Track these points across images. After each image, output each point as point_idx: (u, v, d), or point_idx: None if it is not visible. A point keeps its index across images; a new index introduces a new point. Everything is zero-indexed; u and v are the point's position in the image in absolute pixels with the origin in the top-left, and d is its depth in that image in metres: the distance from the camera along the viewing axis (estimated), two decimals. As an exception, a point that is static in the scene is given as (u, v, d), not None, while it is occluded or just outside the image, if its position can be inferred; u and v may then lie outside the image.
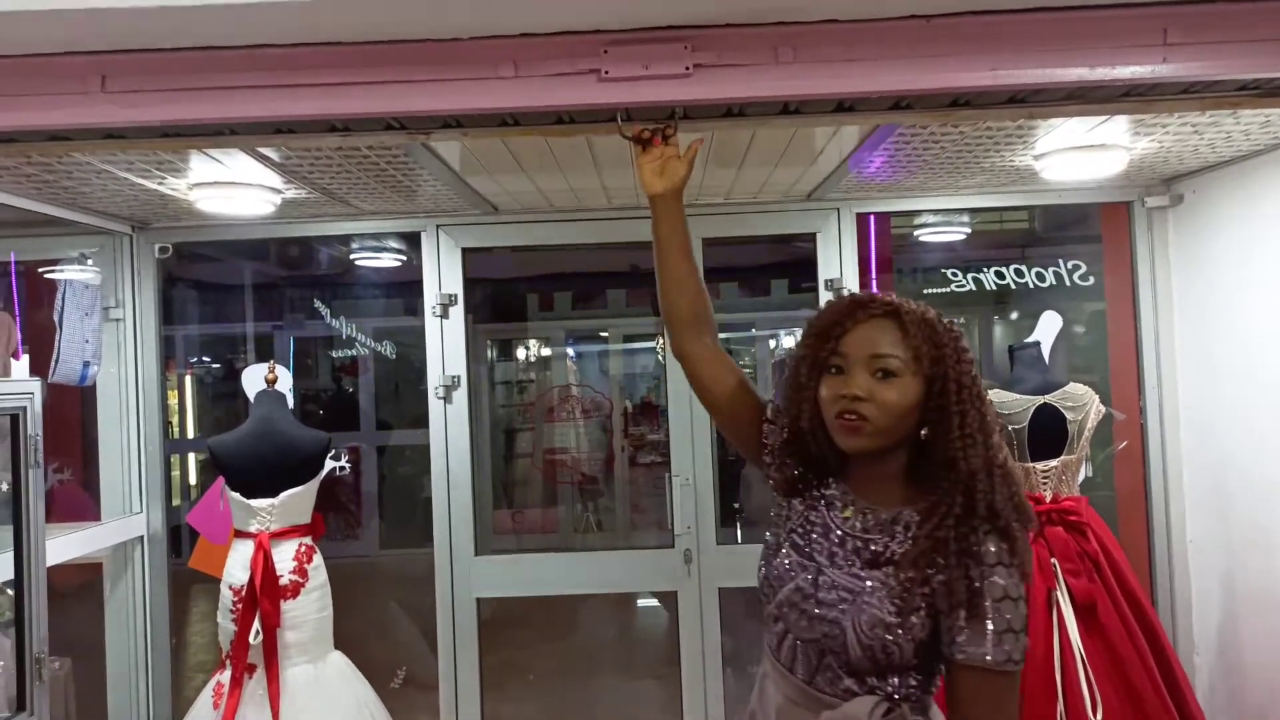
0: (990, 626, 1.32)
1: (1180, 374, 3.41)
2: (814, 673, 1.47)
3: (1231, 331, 3.08)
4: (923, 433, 1.44)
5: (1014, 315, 4.31)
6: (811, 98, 1.81)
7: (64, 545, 3.05)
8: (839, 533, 1.50)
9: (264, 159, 2.55)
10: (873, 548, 1.46)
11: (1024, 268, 3.55)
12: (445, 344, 3.47)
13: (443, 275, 3.46)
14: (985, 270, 3.59)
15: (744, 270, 7.66)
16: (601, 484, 7.59)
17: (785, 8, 1.68)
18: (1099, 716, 2.68)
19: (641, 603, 6.10)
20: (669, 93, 1.73)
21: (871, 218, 4.86)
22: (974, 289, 3.58)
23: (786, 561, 1.53)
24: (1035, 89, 1.85)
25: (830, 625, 1.43)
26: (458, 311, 3.47)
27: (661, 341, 3.51)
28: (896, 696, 1.41)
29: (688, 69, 1.72)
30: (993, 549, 1.36)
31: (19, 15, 1.59)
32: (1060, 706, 2.71)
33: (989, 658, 1.32)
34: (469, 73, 1.75)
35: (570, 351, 8.41)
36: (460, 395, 3.46)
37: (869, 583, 1.42)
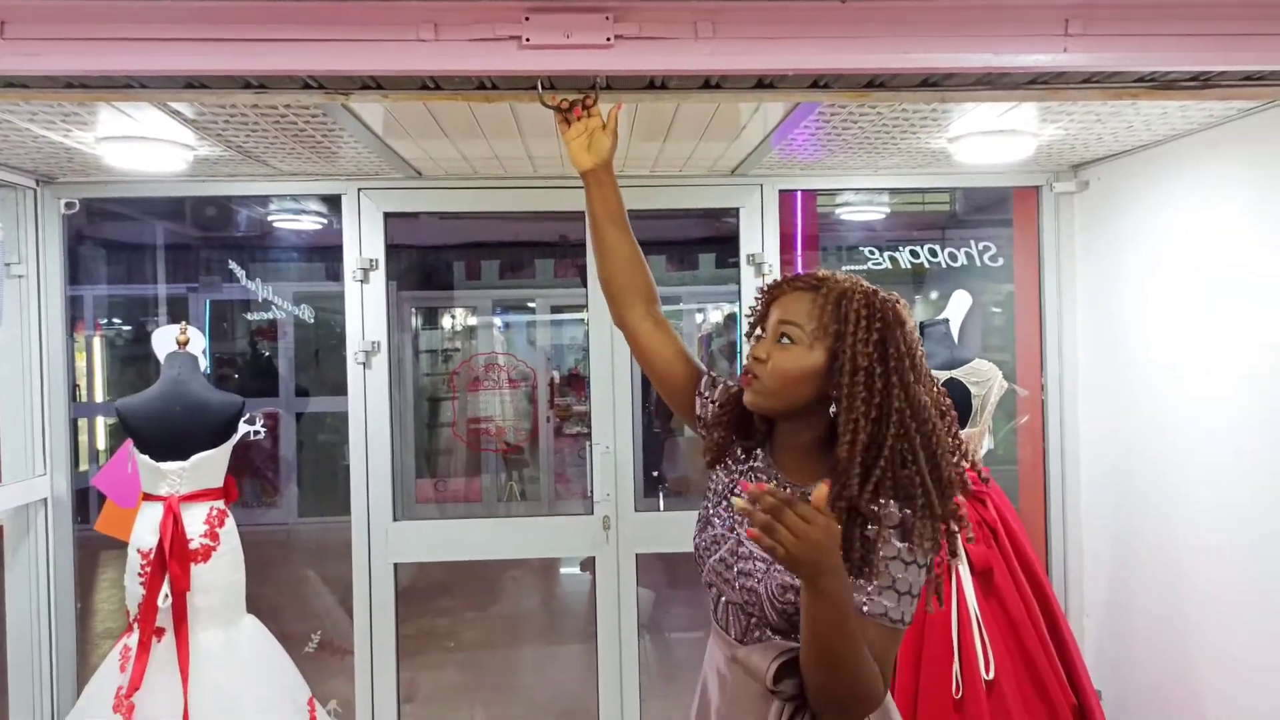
0: (874, 583, 1.39)
1: (1081, 353, 3.57)
2: (745, 632, 1.56)
3: (1131, 313, 3.23)
4: (831, 409, 1.48)
5: (933, 294, 4.44)
6: (730, 73, 1.84)
7: (-39, 508, 2.96)
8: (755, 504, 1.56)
9: (176, 114, 2.48)
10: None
11: (938, 248, 3.66)
12: (365, 309, 3.43)
13: (364, 239, 3.42)
14: (901, 249, 3.69)
15: (673, 244, 7.71)
16: (526, 454, 7.60)
17: (706, -17, 1.71)
18: (991, 674, 2.82)
19: (565, 570, 6.16)
20: (590, 63, 1.75)
21: (799, 194, 4.94)
22: (890, 267, 3.68)
23: (713, 531, 1.62)
24: (945, 73, 1.91)
25: (748, 592, 1.52)
26: (378, 276, 3.44)
27: (588, 314, 3.52)
28: None
29: (609, 40, 1.73)
30: (893, 513, 1.41)
31: (-89, -46, 1.53)
32: (956, 665, 2.84)
33: (865, 608, 1.39)
34: (388, 34, 1.74)
35: (498, 321, 8.37)
36: (380, 361, 3.44)
37: None
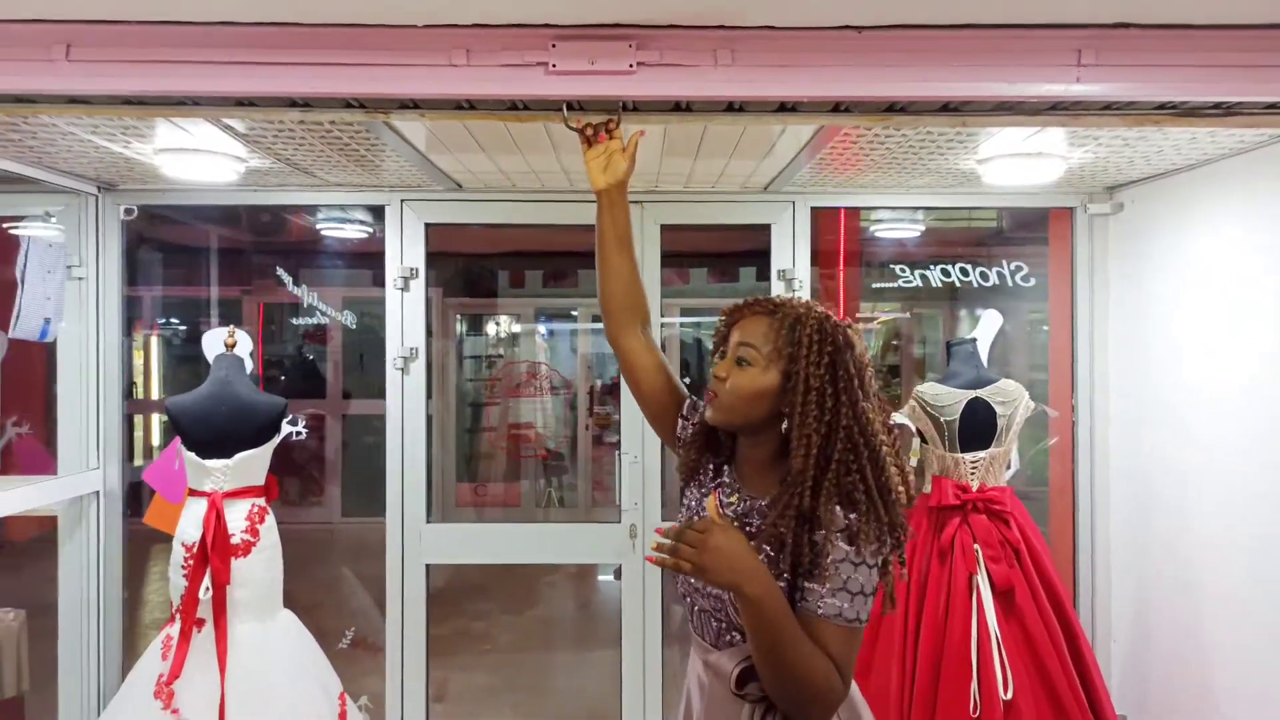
0: (827, 585, 1.47)
1: (1113, 375, 3.56)
2: (717, 636, 1.64)
3: (1163, 337, 3.22)
4: (783, 425, 1.59)
5: (962, 312, 4.45)
6: (748, 99, 1.91)
7: (18, 496, 3.12)
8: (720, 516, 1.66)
9: (228, 129, 2.61)
10: (747, 530, 1.60)
11: (969, 266, 3.67)
12: (405, 316, 3.55)
13: (405, 249, 3.53)
14: (932, 267, 3.71)
15: (713, 256, 7.77)
16: (566, 461, 7.70)
17: (725, 12, 1.78)
18: (1010, 694, 2.83)
19: (602, 578, 6.24)
20: (613, 88, 1.82)
21: (841, 212, 4.98)
22: (921, 285, 3.70)
23: None
24: (960, 100, 1.96)
25: (715, 600, 1.60)
26: (418, 285, 3.55)
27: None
28: None
29: (631, 66, 1.81)
30: (839, 518, 1.49)
31: (-13, -17, 1.66)
32: (974, 684, 2.85)
33: (819, 610, 1.47)
34: (423, 59, 1.84)
35: (541, 329, 8.49)
36: (418, 367, 3.55)
37: None
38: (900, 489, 1.53)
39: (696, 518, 1.68)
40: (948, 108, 2.10)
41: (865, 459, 1.51)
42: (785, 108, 2.09)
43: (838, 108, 2.10)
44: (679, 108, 2.09)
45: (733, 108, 2.09)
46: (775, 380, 1.58)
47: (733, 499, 1.66)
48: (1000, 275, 3.73)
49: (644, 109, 2.06)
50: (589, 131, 1.88)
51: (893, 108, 2.11)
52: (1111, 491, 3.56)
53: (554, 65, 1.80)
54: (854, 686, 1.64)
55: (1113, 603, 3.55)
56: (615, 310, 1.88)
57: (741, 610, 1.45)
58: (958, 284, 3.74)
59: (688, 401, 1.84)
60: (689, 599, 1.70)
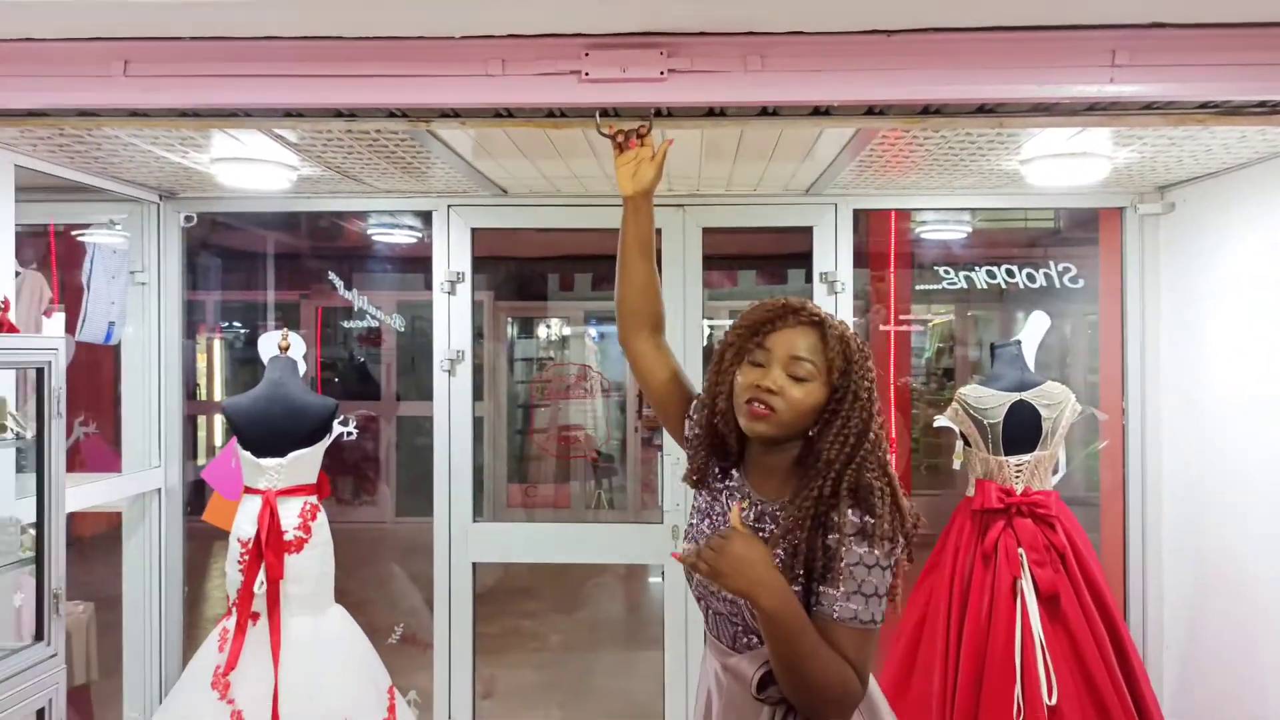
0: (841, 588, 1.48)
1: (1165, 377, 3.49)
2: (734, 639, 1.65)
3: (1216, 338, 3.15)
4: (811, 431, 1.61)
5: (1031, 312, 4.36)
6: (778, 104, 1.93)
7: (85, 493, 3.25)
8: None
9: (279, 138, 2.70)
10: (761, 535, 1.60)
11: (1015, 269, 3.63)
12: (452, 319, 3.62)
13: (452, 253, 3.61)
14: (977, 269, 3.68)
15: (760, 259, 7.76)
16: (615, 463, 7.76)
17: (754, 19, 1.80)
18: (1054, 699, 2.80)
19: (652, 580, 6.28)
20: (645, 95, 1.86)
21: (892, 214, 4.94)
22: (965, 287, 3.67)
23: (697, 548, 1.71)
24: (994, 102, 1.96)
25: (730, 603, 1.61)
26: (465, 288, 3.62)
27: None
28: None
29: (663, 74, 1.84)
30: (853, 521, 1.51)
31: (53, 4, 1.75)
32: (1018, 688, 2.83)
33: (835, 614, 1.48)
34: (461, 69, 1.89)
35: (592, 331, 8.56)
36: (464, 369, 3.62)
37: None
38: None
39: (706, 521, 1.71)
40: (984, 109, 2.10)
41: (883, 460, 1.57)
42: (819, 111, 2.10)
43: (871, 110, 2.11)
44: (713, 113, 2.11)
45: (767, 112, 2.11)
46: (826, 394, 1.59)
47: (743, 504, 1.66)
48: (1049, 276, 3.68)
49: (678, 114, 2.10)
50: (620, 138, 1.92)
51: (928, 110, 2.11)
52: (1164, 495, 3.49)
53: (587, 73, 1.84)
54: (872, 683, 1.65)
55: (1165, 608, 3.48)
56: (627, 314, 1.92)
57: (761, 622, 1.48)
58: (1004, 285, 3.70)
59: (694, 403, 1.82)
60: (703, 601, 1.71)
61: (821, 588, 1.51)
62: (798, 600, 1.50)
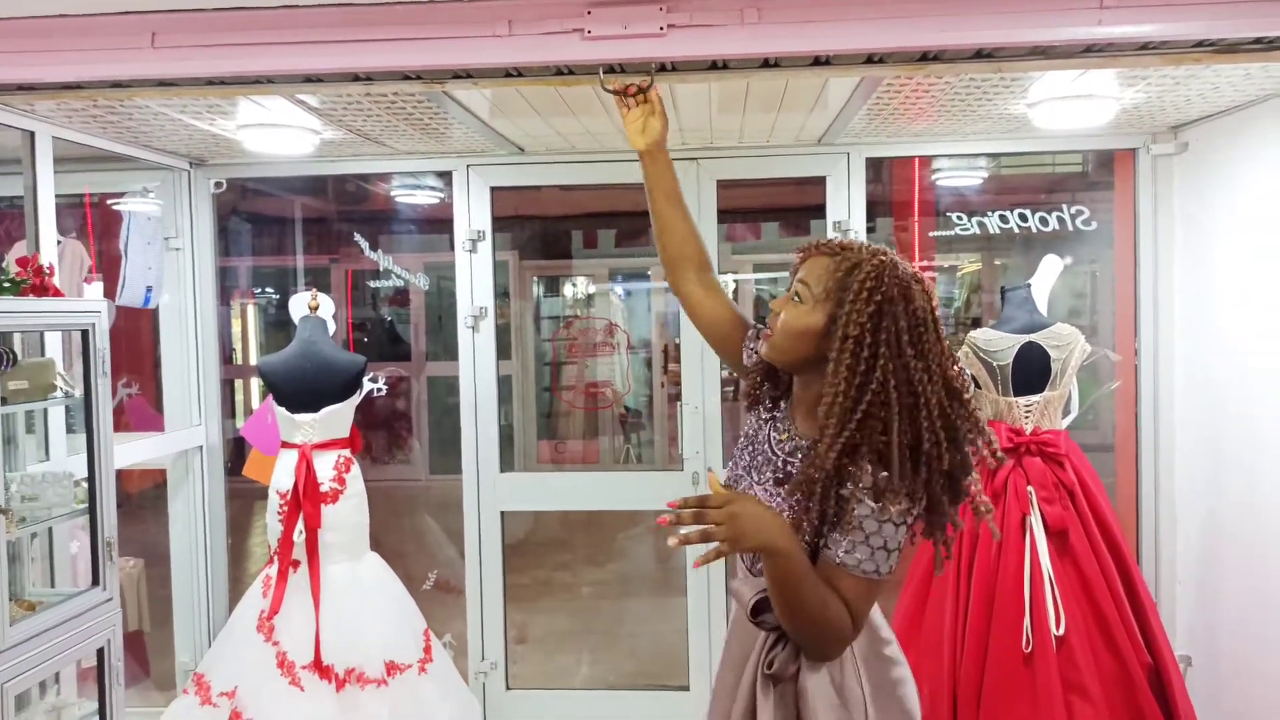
0: (849, 537, 1.50)
1: (1178, 318, 3.52)
2: (754, 562, 1.72)
3: (1229, 278, 3.18)
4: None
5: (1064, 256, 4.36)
6: (776, 55, 1.99)
7: (132, 450, 3.42)
8: (768, 449, 1.71)
9: (301, 103, 2.79)
10: (788, 468, 1.63)
11: (1026, 213, 3.67)
12: (474, 277, 3.72)
13: (472, 212, 3.70)
14: (998, 214, 3.71)
15: (782, 210, 7.78)
16: (643, 418, 7.88)
17: (751, -28, 1.86)
18: (1061, 630, 2.89)
19: (682, 529, 6.40)
20: (646, 50, 1.93)
21: (916, 161, 4.95)
22: (978, 232, 3.71)
23: (734, 471, 1.77)
24: (989, 47, 2.00)
25: None
26: (485, 246, 3.72)
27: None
28: None
29: (662, 29, 1.91)
30: (867, 474, 1.49)
31: (81, -19, 1.85)
32: (1027, 620, 2.92)
33: (840, 559, 1.51)
34: (469, 31, 1.97)
35: (617, 289, 8.64)
36: (487, 325, 3.73)
37: (776, 499, 1.61)
38: (933, 450, 1.49)
39: (750, 447, 1.73)
40: (981, 54, 2.14)
41: (898, 417, 1.48)
42: (820, 61, 2.16)
43: (871, 59, 2.16)
44: (716, 66, 2.18)
45: (768, 63, 2.17)
46: (820, 322, 1.56)
47: (783, 436, 1.68)
48: (1065, 220, 3.71)
49: (681, 69, 2.16)
50: (628, 90, 1.98)
51: (926, 56, 2.16)
52: (1177, 433, 3.54)
53: (590, 31, 1.92)
54: (879, 620, 1.70)
55: (1178, 544, 3.55)
56: (669, 262, 1.97)
57: (766, 564, 1.49)
58: (1035, 230, 3.72)
59: (751, 329, 1.87)
60: None
61: (832, 534, 1.52)
62: (799, 542, 1.52)
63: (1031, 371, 3.12)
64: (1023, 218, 3.69)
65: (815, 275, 1.60)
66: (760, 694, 1.60)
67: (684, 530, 1.43)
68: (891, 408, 1.48)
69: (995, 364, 3.12)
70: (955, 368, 1.56)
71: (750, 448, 1.75)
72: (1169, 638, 3.14)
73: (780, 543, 1.46)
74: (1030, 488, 3.03)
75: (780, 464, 1.65)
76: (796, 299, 1.62)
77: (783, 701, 1.60)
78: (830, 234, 3.63)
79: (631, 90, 1.97)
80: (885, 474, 1.48)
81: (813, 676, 1.58)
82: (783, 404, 1.75)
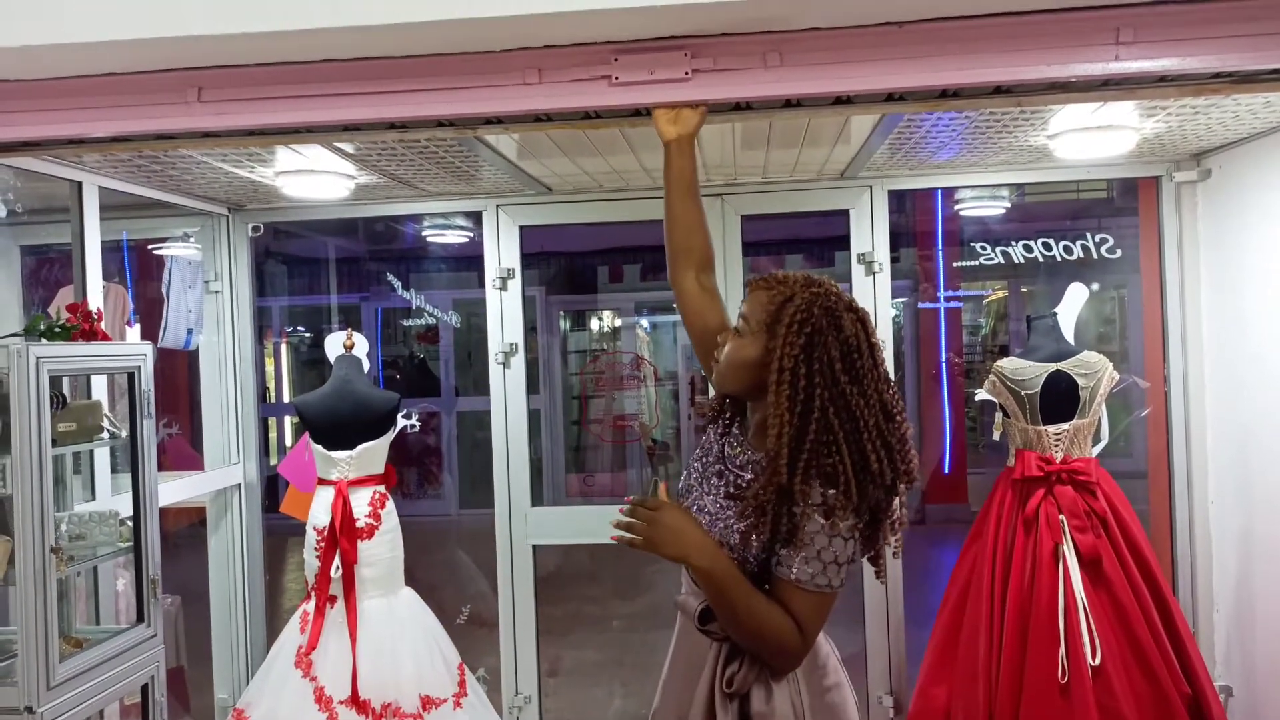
0: (801, 553, 1.56)
1: (1206, 345, 3.52)
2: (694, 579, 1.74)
3: (1257, 303, 3.17)
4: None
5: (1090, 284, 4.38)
6: (798, 96, 2.04)
7: (173, 488, 3.49)
8: (721, 462, 1.75)
9: (338, 150, 2.88)
10: (739, 482, 1.68)
11: (1050, 241, 3.69)
12: (504, 314, 3.79)
13: (501, 251, 3.78)
14: (1011, 244, 3.74)
15: (806, 242, 7.85)
16: (671, 450, 7.90)
17: (773, 18, 1.92)
18: (1097, 659, 2.87)
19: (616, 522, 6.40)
20: (671, 95, 1.99)
21: (939, 193, 4.96)
22: (1001, 261, 3.73)
23: (685, 482, 1.83)
24: (1005, 84, 2.04)
25: None
26: (515, 284, 3.79)
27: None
28: None
29: (687, 74, 1.97)
30: (818, 493, 1.55)
31: (133, 42, 1.94)
32: (1062, 650, 2.91)
33: (792, 575, 1.57)
34: (501, 80, 2.04)
35: (644, 322, 8.71)
36: (518, 361, 3.79)
37: (727, 511, 1.66)
38: (878, 468, 1.55)
39: (703, 458, 1.79)
40: (1000, 90, 2.18)
41: (842, 440, 1.54)
42: (841, 100, 2.21)
43: (891, 97, 2.21)
44: (739, 107, 2.24)
45: (790, 103, 2.22)
46: (756, 354, 1.63)
47: (736, 450, 1.72)
48: (1090, 247, 3.73)
49: (708, 109, 2.22)
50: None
51: (945, 94, 2.20)
52: (1210, 459, 3.52)
53: (617, 77, 1.98)
54: (825, 644, 1.73)
55: (1214, 571, 3.52)
56: (673, 252, 2.00)
57: (698, 579, 1.60)
58: (1059, 259, 3.73)
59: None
60: None
61: (783, 550, 1.58)
62: (727, 558, 1.60)
63: (1060, 399, 3.13)
64: (1047, 246, 3.71)
65: (753, 308, 1.67)
66: (720, 710, 1.65)
67: (616, 522, 1.62)
68: (835, 432, 1.55)
69: (1023, 393, 3.13)
70: (890, 391, 1.63)
71: (705, 459, 1.80)
72: (1208, 668, 3.11)
73: (695, 559, 1.58)
74: (1062, 516, 3.03)
75: (732, 479, 1.70)
76: (737, 333, 1.69)
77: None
78: (854, 265, 3.67)
79: None
80: (834, 491, 1.55)
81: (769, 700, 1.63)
82: (740, 419, 1.80)
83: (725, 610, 1.59)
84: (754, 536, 1.59)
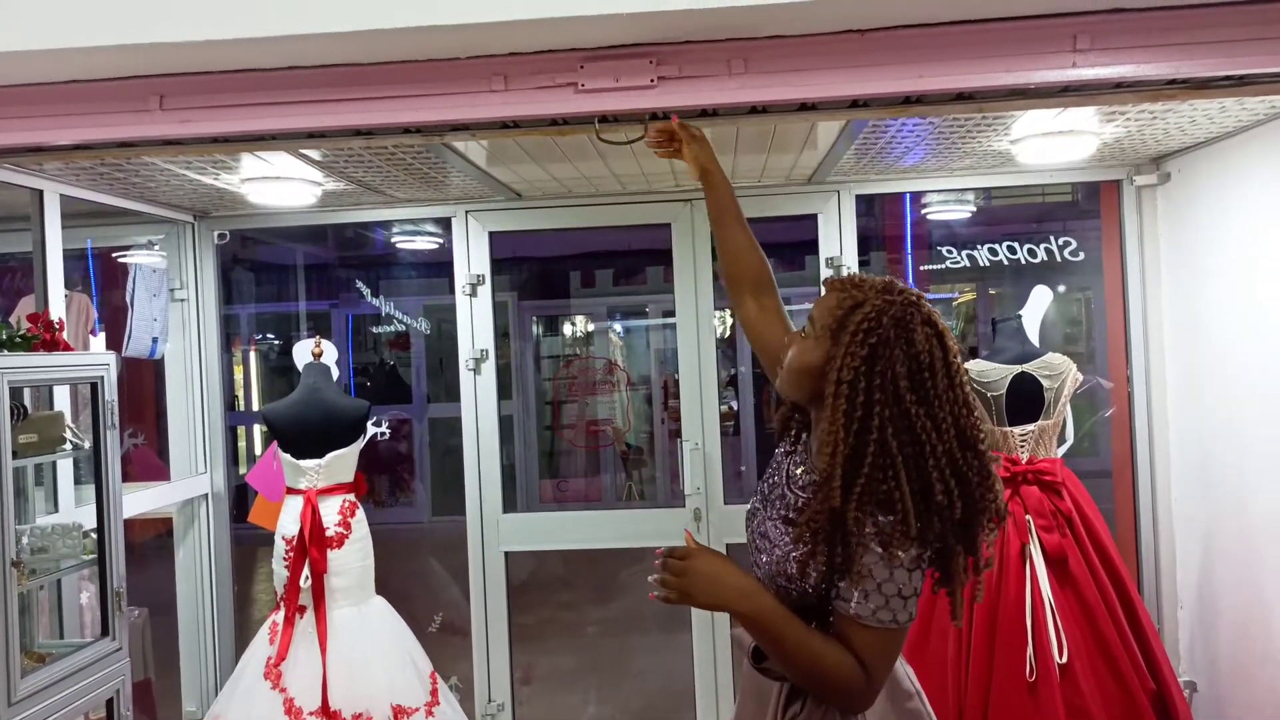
0: (860, 586, 1.42)
1: (1168, 344, 3.58)
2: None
3: (1217, 304, 3.23)
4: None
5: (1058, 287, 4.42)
6: (763, 103, 2.06)
7: (139, 499, 3.45)
8: (784, 483, 1.62)
9: (304, 157, 2.87)
10: (798, 504, 1.55)
11: (1015, 244, 3.74)
12: (475, 321, 3.78)
13: (471, 257, 3.77)
14: (979, 247, 3.79)
15: (780, 246, 7.88)
16: (645, 455, 7.91)
17: (737, 26, 1.94)
18: (1064, 657, 2.91)
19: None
20: (637, 102, 2.00)
21: (907, 196, 5.00)
22: (968, 265, 3.78)
23: (755, 503, 1.70)
24: (966, 90, 2.07)
25: (760, 567, 1.61)
26: (485, 290, 3.78)
27: (676, 318, 3.77)
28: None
29: (653, 81, 1.98)
30: (872, 526, 1.41)
31: (95, 49, 1.93)
32: (1030, 649, 2.94)
33: (852, 609, 1.43)
34: (467, 87, 2.05)
35: (616, 327, 8.71)
36: (488, 367, 3.78)
37: (786, 536, 1.54)
38: (944, 499, 1.40)
39: (771, 479, 1.67)
40: (962, 96, 2.21)
41: (900, 465, 1.40)
42: (805, 107, 2.23)
43: (855, 103, 2.23)
44: (706, 113, 2.25)
45: (756, 110, 2.24)
46: (819, 359, 1.49)
47: (799, 470, 1.61)
48: (1054, 250, 3.78)
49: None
50: (662, 142, 2.04)
51: (909, 100, 2.23)
52: (1172, 459, 3.58)
53: (583, 85, 1.99)
54: (905, 676, 1.63)
55: (1177, 569, 3.57)
56: (726, 279, 1.97)
57: (741, 623, 1.48)
58: (1023, 262, 3.78)
59: None
60: (752, 555, 1.66)
61: (841, 582, 1.45)
62: (772, 599, 1.49)
63: (1025, 401, 3.17)
64: (1012, 249, 3.76)
65: (820, 311, 1.54)
66: None
67: (651, 579, 1.49)
68: (894, 455, 1.40)
69: (989, 394, 3.17)
70: (971, 417, 1.45)
71: (772, 478, 1.67)
72: (1173, 664, 3.16)
73: (736, 605, 1.46)
74: (1028, 516, 3.06)
75: (793, 500, 1.58)
76: (803, 335, 1.57)
77: None
78: (823, 269, 3.70)
79: (651, 141, 2.02)
80: (890, 519, 1.41)
81: None
82: (805, 436, 1.66)
83: (776, 653, 1.47)
84: (810, 566, 1.46)
